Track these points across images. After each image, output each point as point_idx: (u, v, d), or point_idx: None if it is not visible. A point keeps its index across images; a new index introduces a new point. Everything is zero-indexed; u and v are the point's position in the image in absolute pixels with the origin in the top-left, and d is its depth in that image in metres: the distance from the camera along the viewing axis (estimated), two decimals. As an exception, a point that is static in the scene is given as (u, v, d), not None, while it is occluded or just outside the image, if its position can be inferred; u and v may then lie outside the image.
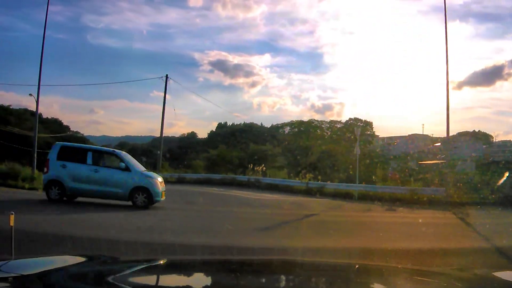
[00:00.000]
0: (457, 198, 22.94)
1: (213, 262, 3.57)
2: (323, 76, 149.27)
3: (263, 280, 2.82)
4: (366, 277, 2.85)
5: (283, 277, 2.82)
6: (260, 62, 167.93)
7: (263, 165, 40.10)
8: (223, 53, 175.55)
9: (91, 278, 2.59)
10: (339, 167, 38.09)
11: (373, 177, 31.22)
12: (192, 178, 41.25)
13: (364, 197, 25.75)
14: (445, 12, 26.93)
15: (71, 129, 75.73)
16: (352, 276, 2.90)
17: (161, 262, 3.31)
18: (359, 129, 30.87)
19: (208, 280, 2.82)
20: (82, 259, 2.82)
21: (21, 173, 25.98)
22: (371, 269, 3.31)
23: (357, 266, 3.25)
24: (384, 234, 12.44)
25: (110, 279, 2.45)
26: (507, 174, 26.51)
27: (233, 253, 8.54)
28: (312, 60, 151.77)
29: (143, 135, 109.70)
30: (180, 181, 39.30)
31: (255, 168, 38.76)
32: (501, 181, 25.10)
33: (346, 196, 26.89)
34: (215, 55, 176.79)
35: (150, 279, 2.70)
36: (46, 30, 30.38)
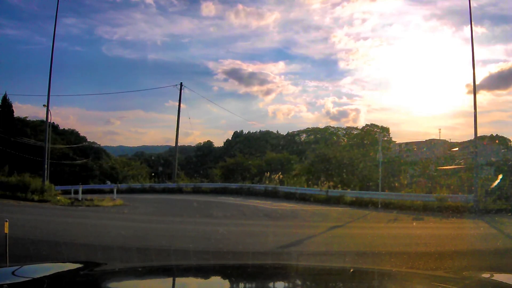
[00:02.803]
0: (488, 206, 21.92)
1: (207, 268, 3.50)
2: (338, 82, 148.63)
3: (259, 285, 2.81)
4: (360, 281, 2.91)
5: (278, 282, 2.88)
6: (274, 69, 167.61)
7: (280, 173, 39.34)
8: (237, 61, 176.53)
9: (85, 284, 2.54)
10: (358, 174, 37.07)
11: (396, 184, 30.17)
12: (208, 188, 40.76)
13: (387, 206, 24.69)
14: (470, 16, 25.87)
15: (88, 139, 75.61)
16: (347, 280, 2.91)
17: (156, 268, 3.41)
18: (381, 135, 29.92)
19: (202, 286, 2.80)
20: (77, 266, 2.85)
21: (31, 185, 25.39)
22: (366, 273, 3.37)
23: (351, 270, 3.33)
24: (426, 248, 11.36)
25: (104, 285, 2.56)
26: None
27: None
28: (326, 67, 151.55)
29: (159, 145, 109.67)
30: (196, 190, 38.93)
31: (272, 176, 38.01)
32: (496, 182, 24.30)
33: (368, 204, 25.77)
34: (229, 63, 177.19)
35: (145, 285, 2.71)
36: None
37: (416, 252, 10.70)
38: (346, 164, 39.16)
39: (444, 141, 69.50)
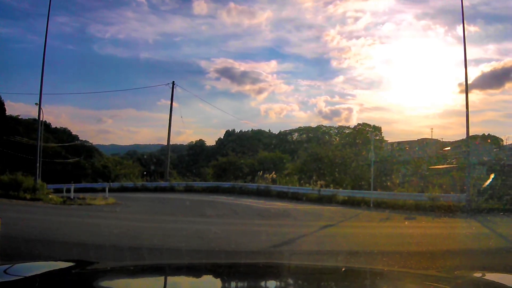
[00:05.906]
0: (480, 205, 22.05)
1: (199, 267, 3.49)
2: (330, 81, 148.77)
3: (251, 284, 2.83)
4: (352, 280, 2.89)
5: (270, 281, 2.85)
6: (266, 68, 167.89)
7: (273, 172, 39.34)
8: (230, 60, 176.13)
9: (77, 283, 2.52)
10: (350, 173, 37.15)
11: (388, 183, 30.21)
12: (200, 187, 40.69)
13: (379, 205, 24.71)
14: (463, 15, 25.97)
15: (80, 138, 75.44)
16: (339, 279, 2.91)
17: (148, 267, 3.40)
18: (373, 134, 29.99)
19: (195, 285, 2.79)
20: (69, 264, 2.82)
21: (23, 183, 25.28)
22: (358, 272, 3.37)
23: (344, 269, 3.36)
24: (418, 248, 11.37)
25: (96, 284, 2.54)
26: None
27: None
28: (319, 66, 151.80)
29: (152, 143, 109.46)
30: (188, 189, 38.91)
31: (265, 175, 38.02)
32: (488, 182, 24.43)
33: (360, 203, 25.81)
34: (221, 62, 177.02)
35: (137, 284, 2.72)
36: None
37: (408, 251, 10.71)
38: (338, 163, 39.27)
39: (436, 141, 69.58)
